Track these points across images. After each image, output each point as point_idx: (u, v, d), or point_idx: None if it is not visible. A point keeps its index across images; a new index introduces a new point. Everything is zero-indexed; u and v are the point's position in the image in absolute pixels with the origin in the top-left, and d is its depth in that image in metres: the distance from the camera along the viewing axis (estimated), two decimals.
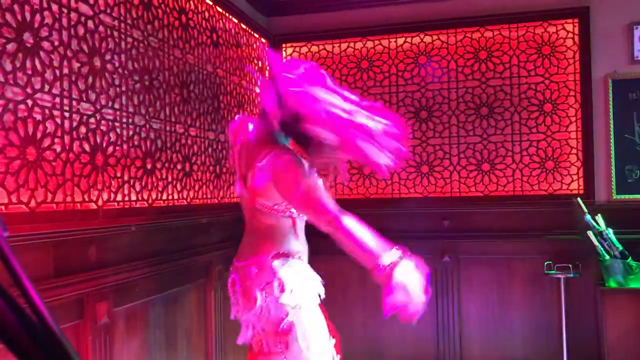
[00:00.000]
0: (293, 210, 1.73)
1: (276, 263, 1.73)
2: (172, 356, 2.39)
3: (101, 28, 1.96)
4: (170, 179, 2.41)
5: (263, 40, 3.60)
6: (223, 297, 2.78)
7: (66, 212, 1.76)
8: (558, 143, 3.33)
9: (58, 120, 1.74)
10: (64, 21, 1.78)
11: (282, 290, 1.69)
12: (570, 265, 3.09)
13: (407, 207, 3.50)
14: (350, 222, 1.61)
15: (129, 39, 2.13)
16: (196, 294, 2.62)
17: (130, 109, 2.13)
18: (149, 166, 2.24)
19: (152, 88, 2.28)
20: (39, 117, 1.66)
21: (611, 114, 3.23)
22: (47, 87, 1.69)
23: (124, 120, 2.09)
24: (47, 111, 1.69)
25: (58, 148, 1.74)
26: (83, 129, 1.85)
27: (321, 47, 3.68)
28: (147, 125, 2.24)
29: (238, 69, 3.20)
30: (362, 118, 1.57)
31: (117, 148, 2.04)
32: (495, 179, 3.41)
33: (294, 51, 3.72)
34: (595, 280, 3.10)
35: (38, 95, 1.66)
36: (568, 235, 3.17)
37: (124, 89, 2.08)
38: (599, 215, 3.01)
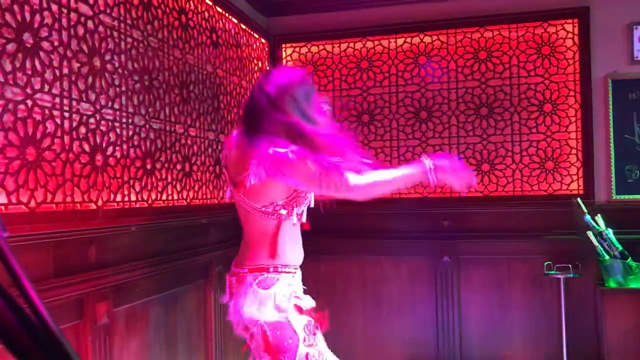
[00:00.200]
0: (282, 212, 1.72)
1: (250, 277, 1.72)
2: (171, 356, 2.39)
3: (101, 28, 1.96)
4: (170, 179, 2.41)
5: (263, 41, 3.60)
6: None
7: (66, 213, 1.76)
8: (558, 143, 3.33)
9: (58, 121, 1.74)
10: (64, 21, 1.78)
11: (266, 305, 1.69)
12: (570, 266, 3.09)
13: (406, 207, 3.50)
14: (368, 177, 1.71)
15: (129, 39, 2.13)
16: (196, 295, 2.62)
17: (130, 109, 2.13)
18: (148, 166, 2.24)
19: (152, 88, 2.28)
20: (38, 117, 1.66)
21: (611, 114, 3.23)
22: (46, 88, 1.69)
23: (124, 120, 2.09)
24: (46, 111, 1.69)
25: (58, 148, 1.74)
26: (83, 129, 1.85)
27: (321, 47, 3.68)
28: (147, 126, 2.24)
29: (238, 69, 3.20)
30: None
31: (117, 148, 2.04)
32: (495, 179, 3.41)
33: (293, 51, 3.72)
34: (595, 281, 3.10)
35: (38, 95, 1.66)
36: (568, 235, 3.17)
37: (123, 89, 2.08)
38: (599, 215, 3.01)
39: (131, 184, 2.12)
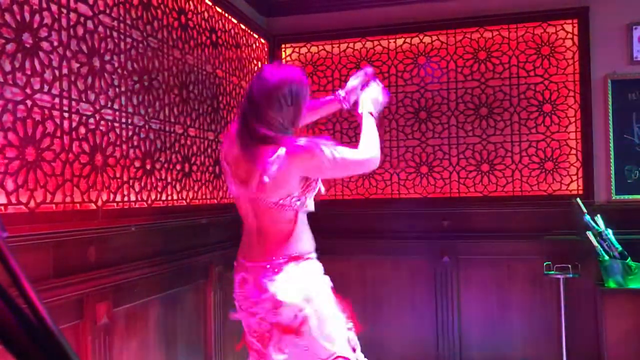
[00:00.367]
0: (298, 202, 1.78)
1: (290, 266, 1.77)
2: (171, 356, 2.39)
3: (100, 28, 1.96)
4: (170, 180, 2.41)
5: (262, 41, 3.60)
6: (222, 298, 2.78)
7: (66, 213, 1.76)
8: (557, 143, 3.33)
9: (57, 121, 1.74)
10: (63, 21, 1.78)
11: (294, 291, 1.74)
12: (569, 266, 3.09)
13: (406, 208, 3.50)
14: (364, 141, 1.87)
15: (129, 40, 2.13)
16: (196, 295, 2.62)
17: (130, 110, 2.13)
18: (148, 166, 2.24)
19: (152, 88, 2.28)
20: (38, 117, 1.66)
21: (610, 115, 3.23)
22: (46, 88, 1.69)
23: (123, 120, 2.09)
24: (46, 111, 1.69)
25: (57, 148, 1.74)
26: (82, 130, 1.85)
27: (320, 47, 3.68)
28: (147, 126, 2.24)
29: (237, 69, 3.20)
30: None
31: (117, 148, 2.04)
32: (495, 179, 3.41)
33: (293, 51, 3.72)
34: (595, 281, 3.10)
35: (37, 95, 1.66)
36: (567, 235, 3.17)
37: (123, 89, 2.08)
38: (599, 215, 3.01)
39: (131, 184, 2.12)
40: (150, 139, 2.26)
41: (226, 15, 3.05)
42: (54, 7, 1.73)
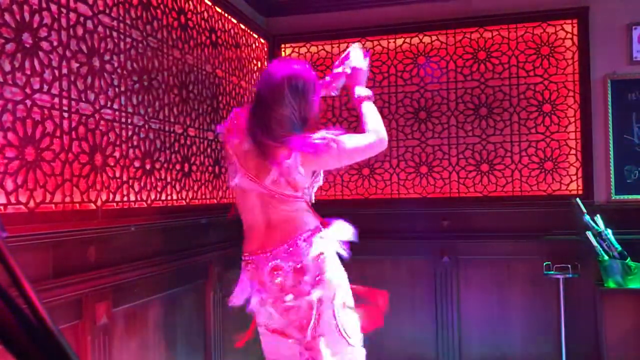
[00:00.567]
0: (307, 193, 1.86)
1: (315, 238, 1.82)
2: (171, 357, 2.39)
3: (100, 28, 1.96)
4: (169, 180, 2.41)
5: (262, 41, 3.60)
6: (222, 298, 2.78)
7: (65, 213, 1.76)
8: (557, 143, 3.33)
9: (57, 121, 1.74)
10: (63, 21, 1.78)
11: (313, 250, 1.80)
12: (569, 266, 3.09)
13: (406, 208, 3.50)
14: (371, 125, 1.92)
15: (128, 39, 2.13)
16: (195, 295, 2.62)
17: (129, 109, 2.13)
18: (147, 166, 2.24)
19: (151, 88, 2.28)
20: (37, 117, 1.66)
21: (610, 115, 3.23)
22: (46, 88, 1.69)
23: (123, 120, 2.08)
24: (46, 111, 1.69)
25: (57, 148, 1.74)
26: (82, 129, 1.85)
27: (320, 47, 3.68)
28: (146, 126, 2.24)
29: (237, 69, 3.20)
30: None
31: (116, 148, 2.04)
32: (495, 179, 3.42)
33: (292, 51, 3.72)
34: (595, 281, 3.10)
35: (37, 95, 1.66)
36: (567, 235, 3.17)
37: (123, 89, 2.08)
38: (598, 215, 3.01)
39: (130, 184, 2.12)
40: (149, 138, 2.26)
41: (226, 15, 3.05)
42: (53, 7, 1.73)
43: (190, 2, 2.64)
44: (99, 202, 1.92)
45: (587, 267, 3.12)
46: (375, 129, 1.89)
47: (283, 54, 3.72)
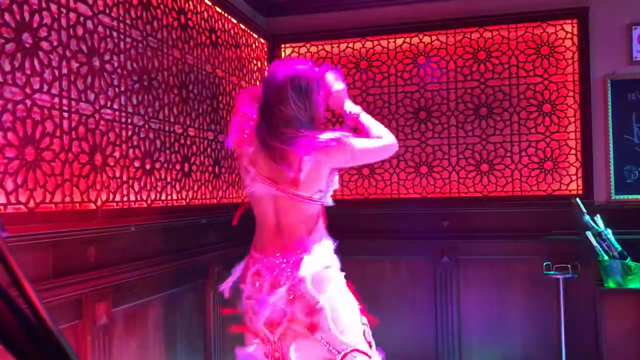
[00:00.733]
0: (324, 195, 1.85)
1: (307, 258, 1.78)
2: (170, 357, 2.39)
3: (100, 28, 1.96)
4: (169, 179, 2.41)
5: (262, 41, 3.60)
6: (222, 298, 2.77)
7: (65, 213, 1.76)
8: (557, 143, 3.33)
9: (57, 121, 1.74)
10: (63, 21, 1.78)
11: (309, 280, 1.75)
12: (569, 266, 3.09)
13: (406, 208, 3.50)
14: (377, 131, 1.96)
15: (128, 39, 2.13)
16: (195, 295, 2.62)
17: (129, 109, 2.13)
18: (147, 166, 2.24)
19: (151, 88, 2.28)
20: (37, 117, 1.66)
21: (610, 115, 3.23)
22: (46, 87, 1.69)
23: (123, 120, 2.08)
24: (45, 111, 1.69)
25: (57, 148, 1.74)
26: (82, 129, 1.85)
27: (320, 47, 3.68)
28: (146, 126, 2.24)
29: (237, 69, 3.20)
30: None
31: (116, 148, 2.04)
32: (494, 179, 3.41)
33: (292, 51, 3.72)
34: (594, 281, 3.10)
35: (37, 95, 1.66)
36: (567, 235, 3.17)
37: (122, 89, 2.08)
38: (598, 215, 3.01)
39: (130, 184, 2.12)
40: (149, 138, 2.26)
41: (226, 15, 3.05)
42: (53, 7, 1.73)
43: (190, 2, 2.64)
44: (99, 202, 1.92)
45: (587, 267, 3.11)
46: (385, 134, 1.93)
47: (283, 54, 3.72)
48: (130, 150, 2.12)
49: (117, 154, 2.04)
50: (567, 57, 3.32)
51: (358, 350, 1.78)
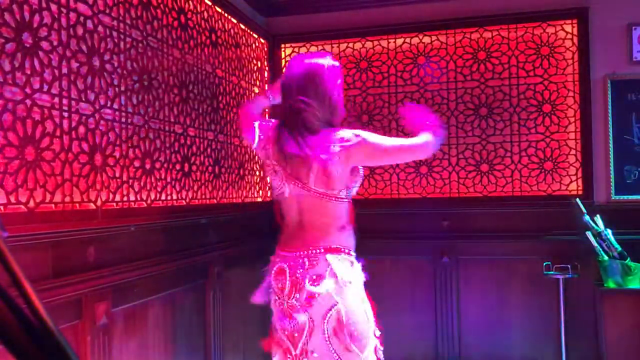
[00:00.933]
0: (349, 193, 1.83)
1: (329, 257, 1.76)
2: (170, 357, 2.39)
3: (100, 28, 1.96)
4: (169, 179, 2.41)
5: (262, 41, 3.60)
6: (222, 298, 2.78)
7: (65, 212, 1.76)
8: (557, 144, 3.33)
9: (57, 120, 1.74)
10: (63, 21, 1.78)
11: (334, 280, 1.73)
12: (569, 266, 3.09)
13: (406, 208, 3.50)
14: (424, 137, 1.93)
15: (128, 39, 2.13)
16: (195, 295, 2.62)
17: (129, 109, 2.13)
18: (147, 166, 2.24)
19: (151, 88, 2.28)
20: (37, 117, 1.66)
21: (610, 115, 3.23)
22: (46, 87, 1.69)
23: (123, 120, 2.08)
24: (45, 111, 1.69)
25: (57, 148, 1.74)
26: (82, 129, 1.85)
27: (320, 47, 3.68)
28: (146, 126, 2.24)
29: (237, 69, 3.20)
30: None
31: (116, 148, 2.04)
32: (494, 179, 3.42)
33: (293, 51, 3.72)
34: (594, 281, 3.10)
35: (37, 95, 1.66)
36: (567, 235, 3.17)
37: (123, 89, 2.08)
38: (598, 215, 3.01)
39: (130, 183, 2.12)
40: (149, 138, 2.26)
41: (226, 15, 3.05)
42: (53, 7, 1.73)
43: (190, 2, 2.64)
44: (98, 202, 1.92)
45: (587, 267, 3.12)
46: (423, 136, 1.91)
47: (283, 54, 3.72)
48: (130, 150, 2.12)
49: (117, 153, 2.04)
50: (567, 58, 3.32)
51: None
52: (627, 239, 3.01)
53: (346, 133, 1.78)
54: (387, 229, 3.53)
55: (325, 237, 1.80)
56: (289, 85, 1.84)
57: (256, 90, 3.47)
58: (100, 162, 1.94)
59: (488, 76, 3.43)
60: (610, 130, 3.23)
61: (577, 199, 3.08)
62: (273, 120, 1.96)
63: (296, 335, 1.76)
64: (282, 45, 3.72)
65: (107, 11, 2.01)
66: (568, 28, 3.32)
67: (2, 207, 1.53)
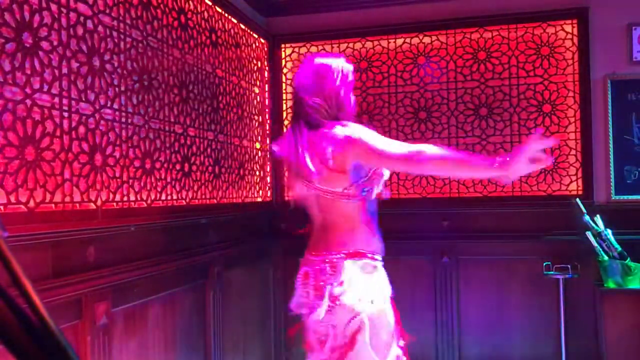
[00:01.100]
0: (364, 191, 1.79)
1: (348, 263, 1.74)
2: (170, 357, 2.38)
3: (100, 28, 1.96)
4: (169, 179, 2.41)
5: (262, 41, 3.60)
6: (222, 298, 2.78)
7: (65, 212, 1.76)
8: (557, 144, 3.33)
9: (57, 120, 1.74)
10: (63, 21, 1.78)
11: (351, 292, 1.70)
12: (569, 266, 3.09)
13: (406, 208, 3.50)
14: (435, 150, 1.67)
15: (128, 39, 2.13)
16: (195, 295, 2.62)
17: (129, 109, 2.13)
18: (147, 166, 2.24)
19: (151, 88, 2.28)
20: (37, 117, 1.66)
21: (610, 115, 3.23)
22: (46, 87, 1.69)
23: (123, 120, 2.08)
24: (46, 111, 1.69)
25: (57, 148, 1.74)
26: (82, 129, 1.85)
27: (320, 47, 3.68)
28: (146, 126, 2.24)
29: (237, 69, 3.20)
30: None
31: (116, 148, 2.04)
32: (494, 179, 3.41)
33: (293, 51, 3.72)
34: (594, 281, 3.10)
35: (37, 95, 1.66)
36: (567, 236, 3.17)
37: (123, 89, 2.08)
38: (598, 215, 3.01)
39: (130, 183, 2.12)
40: (149, 138, 2.26)
41: (226, 15, 3.05)
42: (53, 7, 1.73)
43: (190, 2, 2.64)
44: (98, 202, 1.92)
45: (587, 268, 3.12)
46: (424, 149, 1.66)
47: (283, 54, 3.72)
48: (131, 150, 2.12)
49: (117, 153, 2.04)
50: (567, 58, 3.32)
51: None
52: (627, 239, 3.01)
53: (343, 130, 1.74)
54: (387, 229, 3.50)
55: (345, 239, 1.78)
56: (296, 83, 1.89)
57: (256, 90, 3.47)
58: (101, 162, 1.94)
59: (488, 76, 3.43)
60: (610, 130, 3.23)
61: (577, 199, 3.08)
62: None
63: (322, 339, 1.76)
64: (282, 45, 3.72)
65: (107, 11, 2.01)
66: (568, 28, 3.32)
67: (2, 207, 1.53)
